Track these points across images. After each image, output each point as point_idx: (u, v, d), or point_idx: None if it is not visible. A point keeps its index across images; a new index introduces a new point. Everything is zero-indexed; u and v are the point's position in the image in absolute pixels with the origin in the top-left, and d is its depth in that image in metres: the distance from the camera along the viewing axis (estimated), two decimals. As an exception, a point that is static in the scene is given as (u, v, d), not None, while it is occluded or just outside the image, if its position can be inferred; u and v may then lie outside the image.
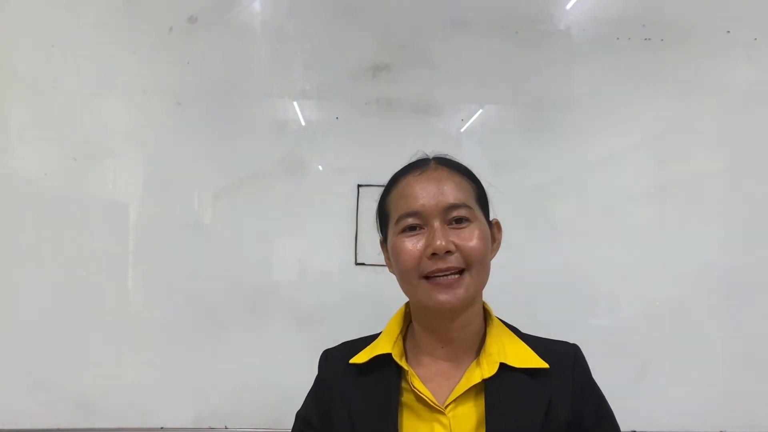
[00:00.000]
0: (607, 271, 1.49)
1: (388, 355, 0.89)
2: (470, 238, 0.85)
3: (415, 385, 0.86)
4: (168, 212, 1.48)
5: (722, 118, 1.52)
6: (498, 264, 1.53)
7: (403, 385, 0.88)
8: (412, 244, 0.85)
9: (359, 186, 1.48)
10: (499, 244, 0.95)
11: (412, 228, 0.87)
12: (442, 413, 0.85)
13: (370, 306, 1.43)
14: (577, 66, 1.53)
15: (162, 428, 1.44)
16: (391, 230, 0.90)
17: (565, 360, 0.92)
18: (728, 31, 1.53)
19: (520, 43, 1.52)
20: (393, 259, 0.90)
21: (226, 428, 1.44)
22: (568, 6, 1.54)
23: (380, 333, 0.96)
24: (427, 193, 0.86)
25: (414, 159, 0.95)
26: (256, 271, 1.49)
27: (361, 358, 0.91)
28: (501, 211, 1.50)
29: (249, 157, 1.49)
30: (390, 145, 1.50)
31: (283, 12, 1.53)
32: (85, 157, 1.47)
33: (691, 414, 1.46)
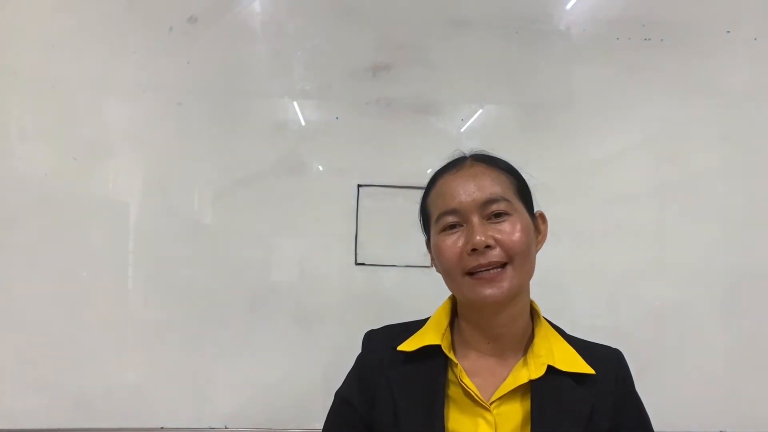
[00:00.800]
0: (607, 271, 1.49)
1: (437, 346, 0.89)
2: (510, 231, 0.85)
3: (463, 379, 0.86)
4: (168, 212, 1.48)
5: (722, 118, 1.52)
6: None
7: (450, 377, 0.88)
8: (453, 242, 0.86)
9: (359, 186, 1.48)
10: (545, 236, 0.95)
11: (452, 226, 0.87)
12: (488, 410, 0.85)
13: (370, 306, 1.43)
14: (577, 66, 1.53)
15: (162, 428, 1.44)
16: (433, 230, 0.91)
17: (609, 366, 0.93)
18: (728, 31, 1.53)
19: (520, 43, 1.52)
20: (436, 258, 0.90)
21: (226, 428, 1.44)
22: (568, 6, 1.54)
23: (423, 321, 0.96)
24: (464, 189, 0.87)
25: (452, 158, 0.95)
26: (256, 271, 1.49)
27: (409, 345, 0.90)
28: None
29: (249, 157, 1.49)
30: (390, 145, 1.50)
31: (283, 12, 1.53)
32: (85, 157, 1.47)
33: (691, 414, 1.46)
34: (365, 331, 0.99)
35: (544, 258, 1.51)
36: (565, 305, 1.49)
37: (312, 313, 1.47)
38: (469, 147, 0.97)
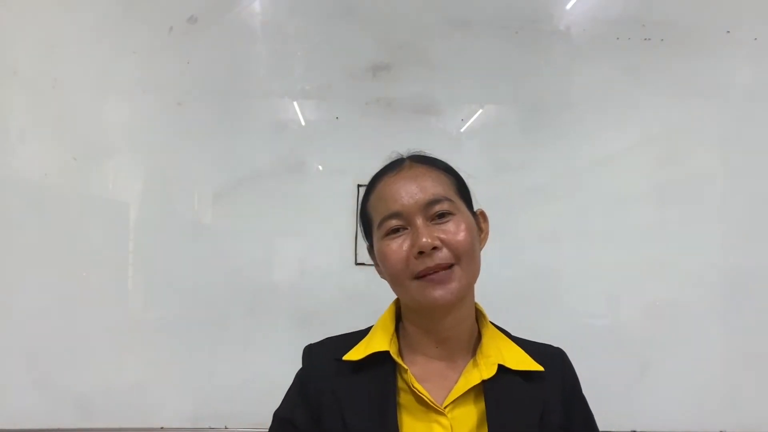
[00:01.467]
0: (606, 272, 1.49)
1: (385, 353, 0.86)
2: (455, 231, 0.83)
3: (414, 385, 0.84)
4: (168, 212, 1.48)
5: (722, 118, 1.52)
6: (498, 263, 1.54)
7: (400, 384, 0.86)
8: (398, 246, 0.83)
9: (359, 186, 1.48)
10: (486, 234, 0.94)
11: (395, 230, 0.84)
12: (442, 414, 0.83)
13: (369, 306, 1.42)
14: (577, 66, 1.53)
15: (162, 428, 1.44)
16: (376, 235, 0.88)
17: (555, 363, 0.92)
18: (728, 31, 1.53)
19: (520, 43, 1.52)
20: (381, 264, 0.87)
21: (226, 428, 1.44)
22: (568, 6, 1.54)
23: (365, 330, 0.94)
24: (406, 191, 0.85)
25: (389, 160, 0.93)
26: (256, 271, 1.49)
27: (356, 354, 0.87)
28: (501, 211, 1.51)
29: (249, 157, 1.49)
30: (390, 145, 1.48)
31: (283, 12, 1.53)
32: (85, 157, 1.47)
33: (691, 414, 1.46)
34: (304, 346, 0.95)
35: (544, 257, 1.52)
36: (565, 305, 1.49)
37: (312, 313, 1.47)
38: (406, 150, 0.95)
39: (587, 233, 1.50)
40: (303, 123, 1.52)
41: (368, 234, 0.93)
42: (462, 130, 1.52)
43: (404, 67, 1.51)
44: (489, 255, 1.49)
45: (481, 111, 1.53)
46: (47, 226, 1.45)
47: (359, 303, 1.44)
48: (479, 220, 0.92)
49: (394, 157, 0.94)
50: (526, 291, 1.48)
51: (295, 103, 1.51)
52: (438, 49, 1.52)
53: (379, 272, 0.92)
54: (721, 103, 1.52)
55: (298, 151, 1.50)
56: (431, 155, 0.93)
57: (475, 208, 0.94)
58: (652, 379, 1.47)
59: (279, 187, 1.49)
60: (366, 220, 0.92)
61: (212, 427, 1.44)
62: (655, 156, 1.52)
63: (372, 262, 0.94)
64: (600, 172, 1.51)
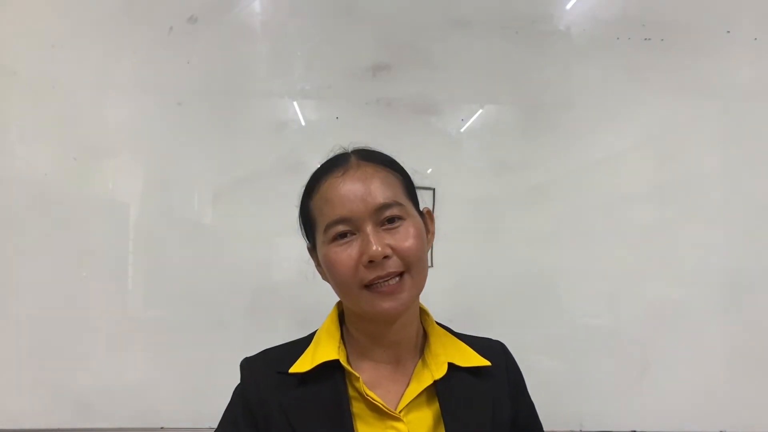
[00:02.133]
0: (606, 271, 1.49)
1: (332, 362, 0.82)
2: (405, 237, 0.79)
3: (366, 392, 0.81)
4: (168, 212, 1.48)
5: (722, 118, 1.52)
6: (498, 263, 1.54)
7: (351, 393, 0.83)
8: (346, 254, 0.79)
9: (359, 186, 1.48)
10: (433, 234, 0.89)
11: (342, 235, 0.80)
12: (398, 419, 0.81)
13: (370, 306, 1.43)
14: (577, 66, 1.53)
15: (162, 428, 1.44)
16: (320, 239, 0.83)
17: (498, 357, 0.91)
18: (728, 31, 1.53)
19: (520, 43, 1.52)
20: (327, 271, 0.83)
21: (226, 428, 1.44)
22: (568, 6, 1.54)
23: (305, 338, 0.91)
24: (354, 195, 0.79)
25: (332, 154, 0.88)
26: (256, 271, 1.48)
27: (303, 365, 0.83)
28: (501, 211, 1.51)
29: (249, 157, 1.49)
30: (390, 145, 1.49)
31: (283, 12, 1.53)
32: (85, 157, 1.47)
33: (691, 414, 1.47)
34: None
35: (544, 257, 1.53)
36: (565, 305, 1.49)
37: (312, 313, 1.46)
38: (349, 142, 0.90)
39: (587, 233, 1.50)
40: (303, 123, 1.52)
41: (309, 233, 0.88)
42: (462, 130, 1.52)
43: (404, 67, 1.51)
44: (489, 255, 1.50)
45: (481, 111, 1.53)
46: (47, 226, 1.45)
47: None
48: (426, 220, 0.88)
49: (337, 150, 0.88)
50: (526, 291, 1.48)
51: (295, 103, 1.51)
52: (438, 49, 1.52)
53: (321, 274, 0.88)
54: (721, 103, 1.52)
55: (298, 151, 1.50)
56: (377, 149, 0.88)
57: (421, 207, 0.90)
58: (652, 379, 1.47)
59: (279, 187, 1.49)
60: (308, 219, 0.87)
61: (212, 427, 1.43)
62: (655, 156, 1.52)
63: (313, 262, 0.89)
64: (600, 172, 1.51)
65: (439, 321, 0.94)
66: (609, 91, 1.53)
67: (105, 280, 1.46)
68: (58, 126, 1.47)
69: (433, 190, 1.48)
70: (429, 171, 1.50)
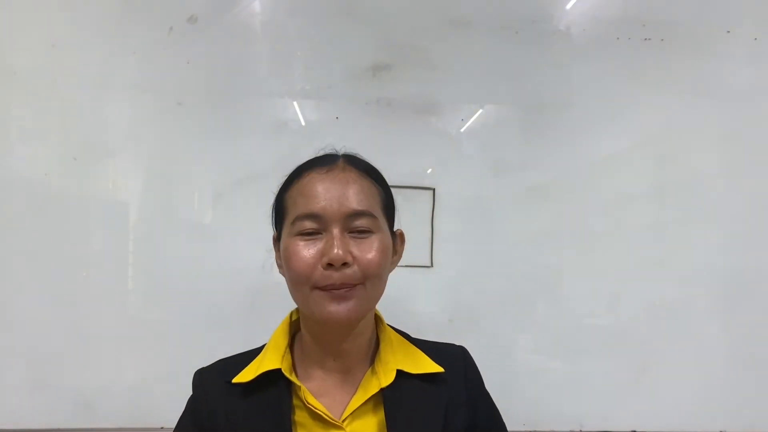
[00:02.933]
0: (607, 271, 1.49)
1: (277, 371, 0.83)
2: (369, 249, 0.79)
3: (309, 401, 0.81)
4: (168, 212, 1.48)
5: (722, 118, 1.52)
6: (498, 263, 1.54)
7: (295, 402, 0.83)
8: (307, 250, 0.79)
9: (359, 186, 1.48)
10: (400, 256, 0.89)
11: (309, 233, 0.80)
12: (340, 428, 0.81)
13: (370, 306, 1.43)
14: (577, 66, 1.53)
15: (162, 428, 1.44)
16: (286, 230, 0.83)
17: (456, 363, 0.89)
18: (728, 31, 1.53)
19: (520, 43, 1.52)
20: (285, 263, 0.83)
21: (226, 428, 1.44)
22: (568, 6, 1.54)
23: (260, 348, 0.91)
24: (331, 195, 0.79)
25: (322, 152, 0.89)
26: (256, 271, 1.48)
27: (245, 376, 0.84)
28: (501, 211, 1.51)
29: (249, 157, 1.49)
30: (390, 145, 1.50)
31: (283, 12, 1.53)
32: (85, 157, 1.47)
33: (691, 414, 1.47)
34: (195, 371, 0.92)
35: (544, 257, 1.52)
36: (565, 305, 1.49)
37: (312, 313, 1.46)
38: (337, 148, 0.90)
39: (587, 233, 1.50)
40: (303, 123, 1.52)
41: (278, 224, 0.87)
42: (462, 130, 1.52)
43: (404, 67, 1.51)
44: (489, 255, 1.50)
45: (481, 111, 1.53)
46: (47, 226, 1.45)
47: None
48: (397, 242, 0.87)
49: (328, 150, 0.89)
50: (525, 291, 1.48)
51: (295, 103, 1.51)
52: (438, 49, 1.52)
53: (279, 267, 0.88)
54: (721, 103, 1.52)
55: (298, 151, 1.48)
56: (366, 160, 0.88)
57: (396, 227, 0.89)
58: (652, 379, 1.47)
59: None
60: (280, 209, 0.87)
61: (212, 427, 1.44)
62: (655, 156, 1.52)
63: (275, 253, 0.89)
64: (600, 172, 1.51)
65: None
66: (609, 91, 1.53)
67: (105, 280, 1.46)
68: (58, 126, 1.47)
69: (433, 190, 1.48)
70: (429, 171, 1.50)
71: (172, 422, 1.45)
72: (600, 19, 1.53)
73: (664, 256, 1.49)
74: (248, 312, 1.46)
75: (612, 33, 1.53)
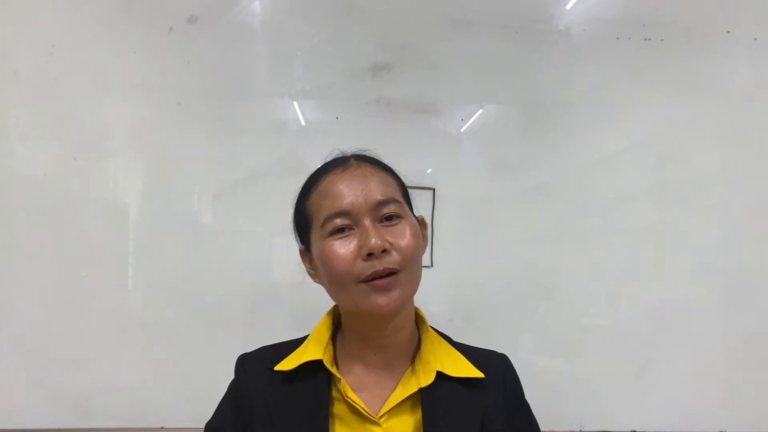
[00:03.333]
0: (606, 271, 1.49)
1: (318, 362, 0.83)
2: (403, 235, 0.79)
3: (348, 394, 0.82)
4: (168, 212, 1.48)
5: (722, 118, 1.52)
6: (498, 263, 1.54)
7: (334, 394, 0.83)
8: (344, 247, 0.79)
9: (359, 186, 1.48)
10: (426, 241, 0.89)
11: (340, 230, 0.80)
12: (377, 424, 0.81)
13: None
14: (577, 66, 1.53)
15: (162, 428, 1.44)
16: (316, 234, 0.83)
17: (497, 370, 0.89)
18: (728, 31, 1.53)
19: (520, 43, 1.52)
20: (322, 266, 0.83)
21: (226, 428, 1.44)
22: (568, 6, 1.54)
23: (303, 338, 0.91)
24: (354, 190, 0.80)
25: (330, 158, 0.89)
26: (256, 271, 1.48)
27: (288, 364, 0.84)
28: (501, 211, 1.51)
29: (249, 157, 1.49)
30: (390, 145, 1.49)
31: (283, 12, 1.53)
32: (85, 157, 1.47)
33: (691, 414, 1.47)
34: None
35: (544, 257, 1.52)
36: (565, 305, 1.49)
37: (312, 314, 1.46)
38: (349, 148, 0.91)
39: (587, 233, 1.50)
40: (303, 123, 1.52)
41: (303, 235, 0.88)
42: (462, 130, 1.52)
43: (404, 67, 1.51)
44: (489, 255, 1.50)
45: (481, 111, 1.53)
46: (47, 226, 1.45)
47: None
48: (421, 226, 0.88)
49: (336, 154, 0.90)
50: (525, 291, 1.48)
51: (295, 103, 1.51)
52: (438, 49, 1.52)
53: (313, 276, 0.88)
54: (721, 103, 1.52)
55: (298, 151, 1.50)
56: (375, 156, 0.89)
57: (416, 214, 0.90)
58: (651, 379, 1.47)
59: (279, 187, 1.48)
60: (303, 219, 0.87)
61: (212, 427, 1.44)
62: (655, 156, 1.52)
63: (305, 264, 0.89)
64: (600, 172, 1.51)
65: (438, 329, 0.93)
66: (609, 91, 1.53)
67: (105, 280, 1.46)
68: (58, 126, 1.47)
69: (433, 190, 1.48)
70: (429, 171, 1.50)
71: (172, 422, 1.45)
72: (600, 19, 1.53)
73: (664, 256, 1.49)
74: (248, 312, 1.47)
75: (612, 33, 1.53)
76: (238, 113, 1.50)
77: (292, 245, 1.51)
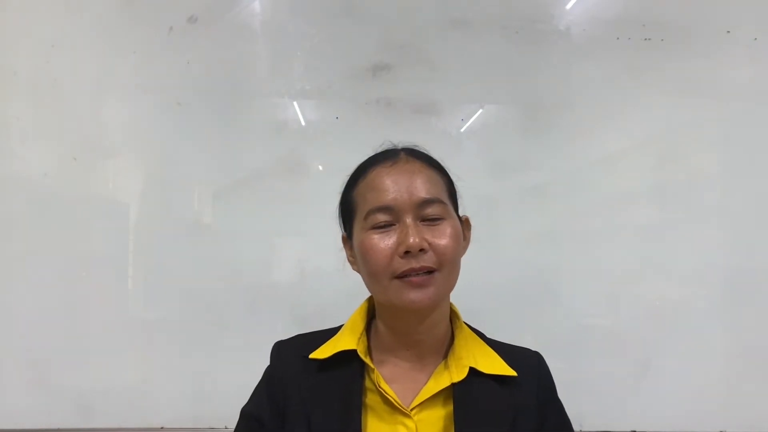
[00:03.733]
0: (606, 272, 1.49)
1: (352, 352, 0.84)
2: (444, 236, 0.81)
3: (381, 385, 0.83)
4: (168, 212, 1.48)
5: (722, 118, 1.52)
6: (498, 263, 1.54)
7: (367, 384, 0.85)
8: (383, 242, 0.80)
9: (359, 186, 1.48)
10: (468, 242, 0.91)
11: (382, 225, 0.81)
12: (408, 416, 0.82)
13: (370, 306, 1.43)
14: (577, 66, 1.53)
15: (162, 428, 1.44)
16: (359, 225, 0.84)
17: (530, 368, 0.90)
18: (728, 31, 1.53)
19: (520, 43, 1.52)
20: (360, 258, 0.84)
21: (226, 428, 1.44)
22: (568, 6, 1.54)
23: (337, 328, 0.92)
24: (399, 186, 0.81)
25: (381, 149, 0.90)
26: (256, 271, 1.48)
27: (322, 353, 0.85)
28: (501, 211, 1.51)
29: (249, 157, 1.49)
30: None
31: (283, 12, 1.53)
32: (85, 157, 1.47)
33: (691, 414, 1.46)
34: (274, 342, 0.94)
35: (544, 257, 1.52)
36: (565, 305, 1.49)
37: (312, 313, 1.46)
38: (400, 141, 0.92)
39: (587, 233, 1.50)
40: (303, 123, 1.52)
41: (347, 223, 0.89)
42: (462, 130, 1.52)
43: (404, 67, 1.51)
44: (489, 255, 1.49)
45: (481, 111, 1.53)
46: (47, 226, 1.45)
47: (359, 303, 1.44)
48: (464, 227, 0.89)
49: (387, 146, 0.91)
50: (525, 291, 1.48)
51: (295, 103, 1.51)
52: (438, 49, 1.52)
53: (352, 263, 0.90)
54: (721, 103, 1.52)
55: (298, 151, 1.50)
56: (426, 151, 0.90)
57: (461, 213, 0.91)
58: (652, 379, 1.47)
59: (279, 187, 1.49)
60: (348, 208, 0.88)
61: (212, 427, 1.44)
62: (655, 156, 1.52)
63: (346, 251, 0.91)
64: (600, 172, 1.51)
65: (473, 326, 0.94)
66: (609, 91, 1.53)
67: (105, 280, 1.46)
68: (58, 126, 1.47)
69: (433, 190, 1.48)
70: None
71: (172, 422, 1.45)
72: (600, 19, 1.53)
73: (664, 256, 1.49)
74: (248, 312, 1.46)
75: (612, 33, 1.53)
76: (238, 113, 1.50)
77: (292, 245, 1.52)
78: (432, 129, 1.51)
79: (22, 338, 1.43)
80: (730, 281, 1.49)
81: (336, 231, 1.48)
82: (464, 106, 1.53)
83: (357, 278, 1.46)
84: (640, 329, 1.48)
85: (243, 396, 1.44)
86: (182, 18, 1.49)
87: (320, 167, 1.51)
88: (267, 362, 1.44)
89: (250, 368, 1.45)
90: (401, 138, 1.48)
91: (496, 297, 1.48)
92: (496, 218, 1.50)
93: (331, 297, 1.47)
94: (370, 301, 0.94)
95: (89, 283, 1.45)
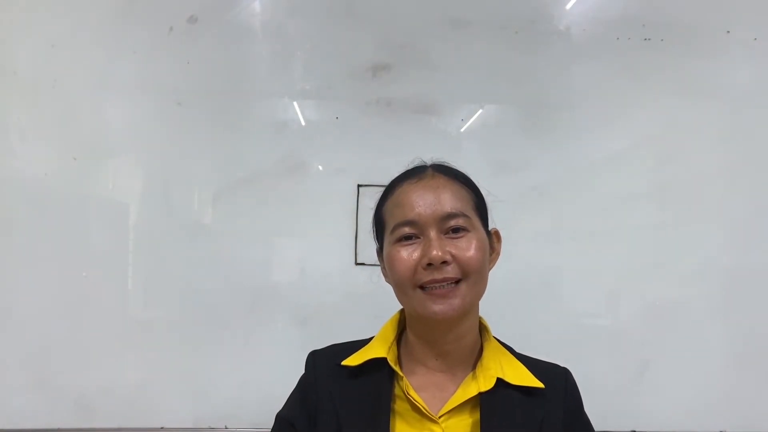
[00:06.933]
0: (606, 271, 1.49)
1: (382, 360, 0.87)
2: (467, 248, 0.83)
3: (409, 393, 0.85)
4: (168, 212, 1.48)
5: (722, 118, 1.52)
6: (498, 264, 1.53)
7: (396, 392, 0.87)
8: (408, 254, 0.83)
9: (359, 186, 1.48)
10: (498, 254, 0.94)
11: (407, 237, 0.85)
12: (436, 423, 0.84)
13: (370, 306, 1.43)
14: (577, 66, 1.53)
15: (162, 428, 1.44)
16: (387, 239, 0.88)
17: (557, 383, 0.91)
18: (728, 31, 1.53)
19: (520, 43, 1.52)
20: (388, 269, 0.88)
21: (226, 428, 1.44)
22: (568, 6, 1.54)
23: (371, 338, 0.95)
24: (424, 201, 0.85)
25: (412, 166, 0.93)
26: (256, 271, 1.49)
27: (354, 360, 0.89)
28: (501, 211, 1.50)
29: (249, 157, 1.49)
30: (390, 145, 1.50)
31: (283, 12, 1.53)
32: (85, 157, 1.47)
33: (691, 414, 1.47)
34: (309, 352, 0.97)
35: (544, 258, 1.52)
36: (565, 305, 1.49)
37: (312, 313, 1.47)
38: (430, 158, 0.95)
39: (587, 233, 1.50)
40: (303, 123, 1.52)
41: (380, 236, 0.93)
42: (462, 130, 1.52)
43: (404, 67, 1.51)
44: (489, 255, 1.49)
45: (481, 111, 1.53)
46: (47, 226, 1.45)
47: (359, 303, 1.44)
48: (493, 239, 0.92)
49: (417, 163, 0.94)
50: (526, 291, 1.48)
51: (295, 103, 1.51)
52: (438, 49, 1.52)
53: (385, 276, 0.92)
54: (721, 103, 1.52)
55: (298, 151, 1.50)
56: (454, 166, 0.93)
57: (491, 227, 0.93)
58: (652, 379, 1.47)
59: (279, 187, 1.49)
60: (379, 223, 0.92)
61: (212, 427, 1.44)
62: (655, 156, 1.52)
63: (379, 264, 0.94)
64: (600, 172, 1.51)
65: (502, 340, 0.95)
66: (609, 91, 1.53)
67: (105, 280, 1.46)
68: (58, 126, 1.47)
69: (433, 190, 1.48)
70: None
71: (172, 422, 1.45)
72: (600, 19, 1.53)
73: (664, 256, 1.49)
74: (248, 312, 1.47)
75: (612, 33, 1.53)
76: (238, 113, 1.50)
77: (292, 245, 1.52)
78: (432, 129, 1.52)
79: (23, 338, 1.43)
80: (730, 281, 1.49)
81: (336, 231, 1.49)
82: (464, 106, 1.53)
83: (357, 279, 1.46)
84: (640, 329, 1.48)
85: (243, 396, 1.45)
86: (182, 18, 1.49)
87: (320, 167, 1.51)
88: (267, 362, 1.45)
89: (250, 368, 1.46)
90: (401, 138, 1.50)
91: (495, 296, 1.48)
92: (495, 218, 1.50)
93: (331, 297, 1.47)
94: (402, 313, 0.96)
95: (89, 283, 1.45)
